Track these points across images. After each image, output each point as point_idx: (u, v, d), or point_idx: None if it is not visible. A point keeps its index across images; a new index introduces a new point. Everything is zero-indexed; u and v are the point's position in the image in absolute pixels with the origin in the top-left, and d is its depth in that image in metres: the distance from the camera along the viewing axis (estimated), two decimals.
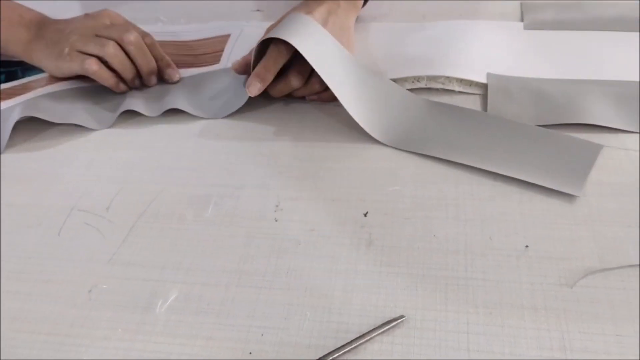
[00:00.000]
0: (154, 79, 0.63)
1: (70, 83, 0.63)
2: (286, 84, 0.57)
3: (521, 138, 0.49)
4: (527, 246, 0.41)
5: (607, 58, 0.59)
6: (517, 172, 0.46)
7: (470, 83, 0.56)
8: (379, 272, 0.41)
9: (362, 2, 0.66)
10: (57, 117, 0.58)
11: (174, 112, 0.59)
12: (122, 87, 0.62)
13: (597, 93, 0.53)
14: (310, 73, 0.56)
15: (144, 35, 0.63)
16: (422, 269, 0.41)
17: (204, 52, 0.69)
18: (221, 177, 0.51)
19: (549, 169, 0.46)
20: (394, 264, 0.41)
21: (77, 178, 0.53)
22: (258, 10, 0.77)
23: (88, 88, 0.63)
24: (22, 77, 0.67)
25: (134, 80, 0.62)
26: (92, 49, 0.59)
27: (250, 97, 0.55)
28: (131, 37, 0.60)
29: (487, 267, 0.40)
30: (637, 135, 0.49)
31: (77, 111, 0.60)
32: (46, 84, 0.64)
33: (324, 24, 0.57)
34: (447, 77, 0.56)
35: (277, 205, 0.47)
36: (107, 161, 0.54)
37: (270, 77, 0.55)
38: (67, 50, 0.60)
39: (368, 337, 0.36)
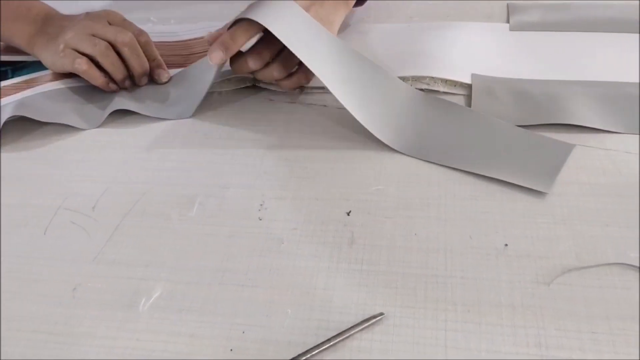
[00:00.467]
0: (145, 80, 0.64)
1: (63, 82, 0.63)
2: (243, 63, 0.55)
3: (497, 137, 0.50)
4: (506, 245, 0.42)
5: (591, 59, 0.59)
6: (488, 170, 0.47)
7: (455, 84, 0.57)
8: (360, 270, 0.41)
9: (354, 1, 0.66)
10: (46, 117, 0.58)
11: None
12: (113, 86, 0.62)
13: (580, 94, 0.54)
14: (274, 58, 0.55)
15: (140, 34, 0.63)
16: (403, 267, 0.41)
17: (192, 52, 0.70)
18: (207, 177, 0.51)
19: (520, 168, 0.47)
20: (375, 262, 0.42)
21: (65, 178, 0.53)
22: None
23: (79, 88, 0.63)
24: (12, 77, 0.68)
25: (125, 80, 0.63)
26: (85, 47, 0.60)
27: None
28: (125, 38, 0.60)
29: (466, 265, 0.41)
30: (618, 135, 0.50)
31: (67, 111, 0.60)
32: (37, 84, 0.64)
33: (306, 11, 0.55)
34: (432, 78, 0.57)
35: (261, 205, 0.48)
36: (95, 161, 0.55)
37: (235, 48, 0.53)
38: (62, 47, 0.61)
39: (347, 335, 0.37)
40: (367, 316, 0.38)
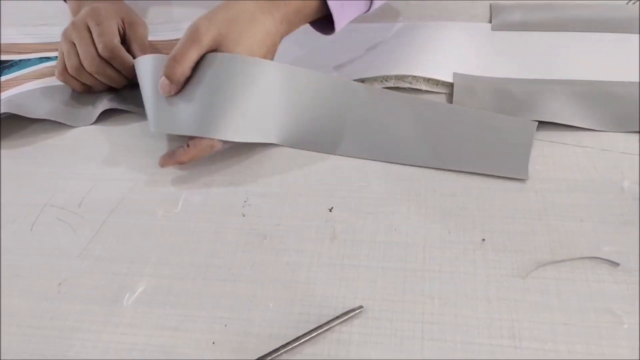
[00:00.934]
0: (125, 84, 0.62)
1: (54, 80, 0.63)
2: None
3: (462, 124, 0.52)
4: (483, 239, 0.43)
5: (571, 58, 0.60)
6: (459, 164, 0.49)
7: (437, 82, 0.58)
8: (341, 264, 0.42)
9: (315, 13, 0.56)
10: (37, 114, 0.58)
11: None
12: (94, 90, 0.62)
13: (559, 92, 0.55)
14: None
15: (133, 25, 0.62)
16: (382, 261, 0.42)
17: None
18: (192, 174, 0.52)
19: (491, 156, 0.48)
20: (356, 257, 0.43)
21: (52, 175, 0.54)
22: None
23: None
24: (1, 75, 0.68)
25: (106, 88, 0.62)
26: (61, 56, 0.60)
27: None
28: (94, 60, 0.58)
29: (444, 259, 0.42)
30: (594, 133, 0.51)
31: (58, 108, 0.60)
32: (27, 82, 0.64)
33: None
34: (415, 77, 0.58)
35: (245, 201, 0.48)
36: (82, 158, 0.55)
37: (182, 72, 0.49)
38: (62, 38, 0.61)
39: (327, 327, 0.38)
40: (346, 309, 0.39)
